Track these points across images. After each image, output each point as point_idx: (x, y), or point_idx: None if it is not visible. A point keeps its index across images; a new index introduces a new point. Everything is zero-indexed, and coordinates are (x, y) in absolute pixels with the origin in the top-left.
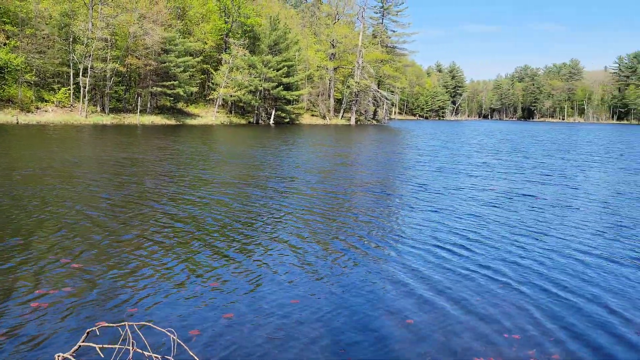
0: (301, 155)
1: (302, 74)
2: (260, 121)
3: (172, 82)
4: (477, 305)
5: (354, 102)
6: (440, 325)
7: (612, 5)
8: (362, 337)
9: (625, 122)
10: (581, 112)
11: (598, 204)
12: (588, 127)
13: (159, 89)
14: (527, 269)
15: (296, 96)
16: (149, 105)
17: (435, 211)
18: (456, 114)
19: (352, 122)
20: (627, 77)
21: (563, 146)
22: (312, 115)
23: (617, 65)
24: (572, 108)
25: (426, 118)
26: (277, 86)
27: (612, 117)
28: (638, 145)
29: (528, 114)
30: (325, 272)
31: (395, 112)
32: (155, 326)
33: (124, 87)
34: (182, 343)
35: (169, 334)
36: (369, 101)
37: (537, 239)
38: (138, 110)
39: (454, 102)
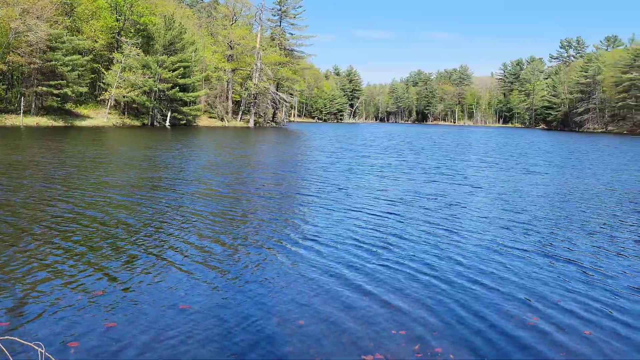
0: (202, 157)
1: (199, 75)
2: (155, 123)
3: (59, 82)
4: (370, 302)
5: (252, 104)
6: (332, 325)
7: (496, 14)
8: (252, 339)
9: (510, 125)
10: (471, 115)
11: (497, 201)
12: (478, 129)
13: (44, 88)
14: (422, 265)
15: (193, 98)
16: (33, 106)
17: (341, 211)
18: (354, 116)
19: (251, 124)
20: (511, 82)
21: (460, 147)
22: (210, 117)
23: (502, 71)
24: (463, 112)
25: (325, 121)
26: (172, 87)
27: (499, 120)
28: (525, 146)
29: (422, 117)
30: (222, 275)
31: (294, 115)
32: (21, 340)
33: (5, 86)
34: (51, 357)
35: (36, 347)
36: (267, 103)
37: (432, 236)
38: (21, 111)
39: (351, 105)
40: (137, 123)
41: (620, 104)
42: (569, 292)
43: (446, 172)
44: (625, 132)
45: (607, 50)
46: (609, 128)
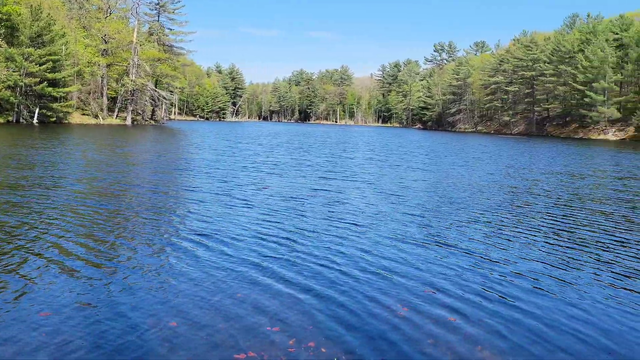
0: (76, 156)
1: (70, 69)
2: (21, 120)
3: None
4: (244, 301)
5: (130, 101)
6: (206, 325)
7: (377, 17)
8: (123, 342)
9: (388, 124)
10: (352, 115)
11: (386, 195)
12: (359, 128)
13: None
14: (305, 260)
15: (64, 93)
16: None
17: (228, 207)
18: (237, 115)
19: (129, 122)
20: (390, 84)
21: (347, 145)
22: (84, 114)
23: (381, 72)
24: (344, 111)
25: (207, 119)
26: (41, 82)
27: (378, 120)
28: (406, 144)
29: (305, 116)
30: (97, 276)
31: (175, 113)
32: None
33: None
34: None
35: None
36: (146, 100)
37: (320, 232)
38: None
39: (234, 104)
40: (0, 120)
41: (487, 105)
42: (444, 280)
43: (336, 169)
44: (492, 131)
45: (476, 54)
46: (479, 128)
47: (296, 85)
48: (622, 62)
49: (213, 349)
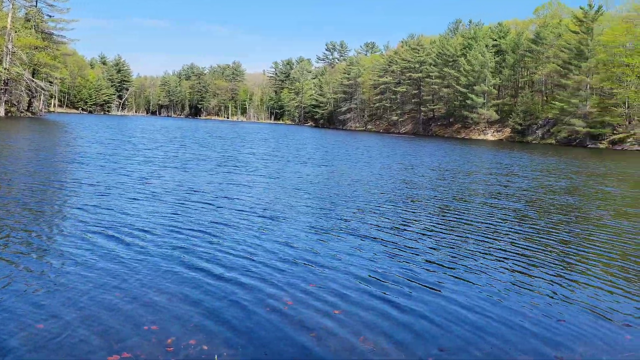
0: None
1: None
2: None
3: None
4: (121, 299)
5: (3, 91)
6: (77, 326)
7: (269, 14)
8: None
9: (281, 122)
10: (244, 111)
11: (286, 189)
12: (252, 125)
13: None
14: (187, 258)
15: None
16: None
17: (121, 200)
18: (123, 108)
19: (1, 113)
20: (282, 81)
21: (243, 140)
22: None
23: (274, 69)
24: (236, 107)
25: (90, 112)
26: None
27: (270, 117)
28: (301, 140)
29: (196, 111)
30: None
31: (54, 105)
32: None
33: None
34: None
35: None
36: (22, 91)
37: (206, 228)
38: None
39: (120, 97)
40: None
41: (377, 105)
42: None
43: (236, 164)
44: (381, 130)
45: (366, 55)
46: (368, 127)
47: (186, 79)
48: (500, 66)
49: (85, 352)
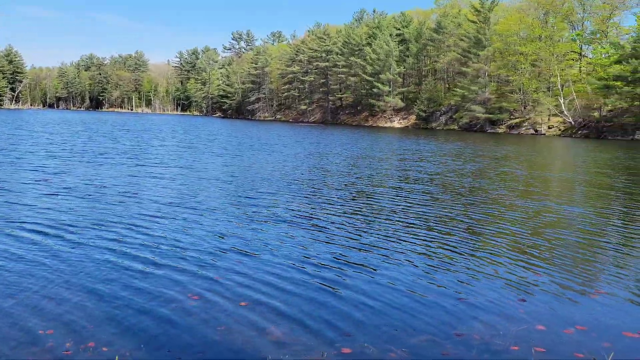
0: None
1: None
2: None
3: None
4: (22, 302)
5: None
6: None
7: (173, 2)
8: None
9: (188, 113)
10: (148, 102)
11: (204, 181)
12: (158, 117)
13: None
14: (90, 253)
15: None
16: None
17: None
18: (17, 102)
19: None
20: (188, 71)
21: (149, 133)
22: None
23: (179, 59)
24: (140, 99)
25: None
26: None
27: (177, 108)
28: (211, 131)
29: (97, 103)
30: None
31: None
32: None
33: None
34: None
35: None
36: None
37: (106, 224)
38: None
39: (13, 90)
40: None
41: (285, 94)
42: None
43: (149, 157)
44: (290, 120)
45: (273, 44)
46: (278, 116)
47: (86, 70)
48: (404, 55)
49: None
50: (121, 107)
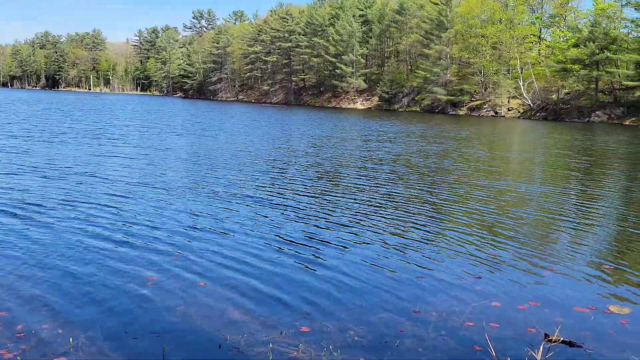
0: None
1: None
2: None
3: None
4: None
5: None
6: None
7: None
8: None
9: (148, 93)
10: (107, 82)
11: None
12: (117, 97)
13: None
14: (51, 233)
15: None
16: None
17: None
18: None
19: None
20: (148, 50)
21: (112, 113)
22: None
23: (138, 38)
24: (98, 78)
25: None
26: None
27: (137, 88)
28: (172, 111)
29: (53, 82)
30: None
31: None
32: None
33: None
34: None
35: None
36: None
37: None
38: None
39: None
40: None
41: (248, 74)
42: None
43: (112, 136)
44: (253, 100)
45: (235, 24)
46: (240, 97)
47: (41, 48)
48: (367, 36)
49: None
50: (78, 87)
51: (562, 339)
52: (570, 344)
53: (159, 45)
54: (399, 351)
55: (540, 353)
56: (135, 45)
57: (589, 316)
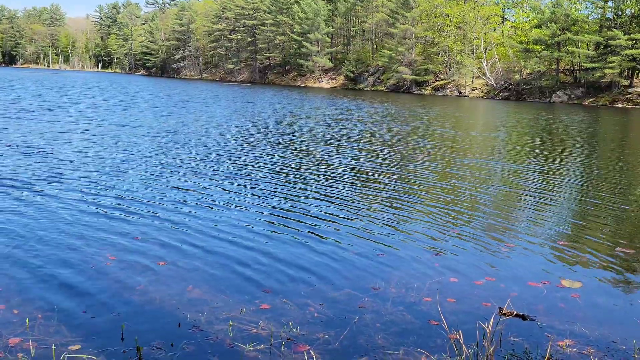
0: None
1: None
2: None
3: None
4: None
5: None
6: None
7: None
8: None
9: (109, 70)
10: (67, 59)
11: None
12: (78, 74)
13: None
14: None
15: None
16: None
17: None
18: None
19: None
20: (109, 26)
21: (70, 90)
22: None
23: (99, 14)
24: (57, 55)
25: None
26: None
27: (97, 65)
28: (144, 90)
29: (10, 59)
30: None
31: None
32: None
33: None
34: None
35: None
36: None
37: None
38: None
39: None
40: None
41: (212, 52)
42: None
43: (81, 114)
44: (217, 79)
45: (198, 0)
46: (204, 75)
47: None
48: (332, 15)
49: None
50: (37, 64)
51: (515, 312)
52: (523, 317)
53: (120, 21)
54: (357, 326)
55: (490, 326)
56: (95, 21)
57: (542, 290)
